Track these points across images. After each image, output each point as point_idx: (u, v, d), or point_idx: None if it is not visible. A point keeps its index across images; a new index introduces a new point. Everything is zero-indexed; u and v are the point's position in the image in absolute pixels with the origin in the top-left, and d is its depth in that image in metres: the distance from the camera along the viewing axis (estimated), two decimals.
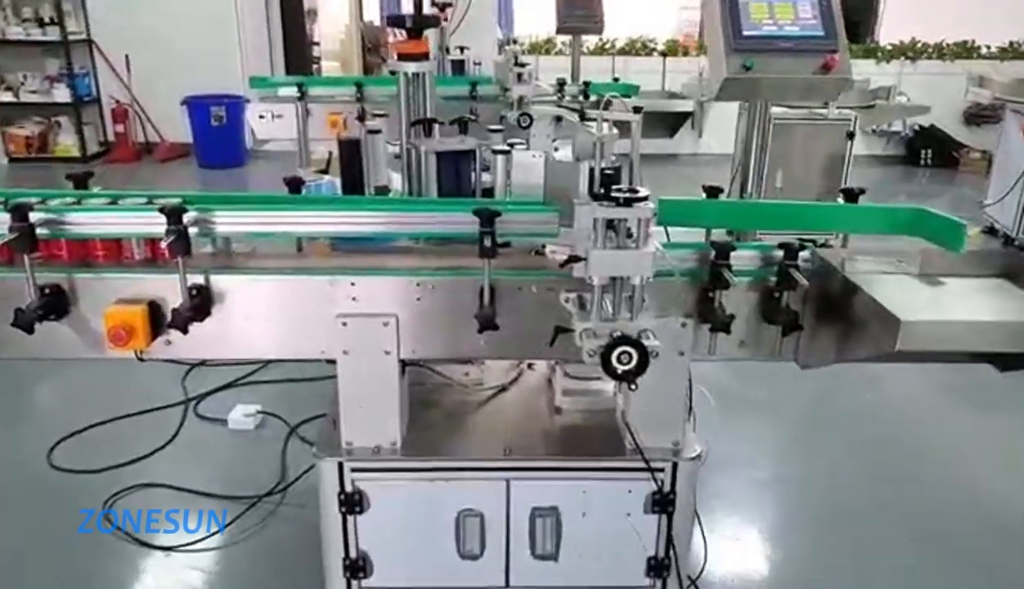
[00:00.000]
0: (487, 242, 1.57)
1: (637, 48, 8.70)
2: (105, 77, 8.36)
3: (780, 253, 1.66)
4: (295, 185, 1.82)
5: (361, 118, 3.97)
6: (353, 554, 1.84)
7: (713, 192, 1.82)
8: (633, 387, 1.42)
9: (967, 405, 3.46)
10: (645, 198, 1.44)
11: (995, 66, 7.88)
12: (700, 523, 2.04)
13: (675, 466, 1.79)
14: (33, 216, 1.58)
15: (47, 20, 7.95)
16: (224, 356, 1.77)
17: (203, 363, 3.18)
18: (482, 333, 1.64)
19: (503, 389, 2.10)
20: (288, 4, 8.65)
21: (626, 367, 1.42)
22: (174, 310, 1.62)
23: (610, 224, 1.47)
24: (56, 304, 1.65)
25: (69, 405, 3.18)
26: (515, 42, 5.34)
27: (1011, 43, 8.39)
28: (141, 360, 1.71)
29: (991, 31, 8.31)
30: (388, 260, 1.77)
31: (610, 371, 1.42)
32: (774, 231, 1.89)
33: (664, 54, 8.58)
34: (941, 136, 8.15)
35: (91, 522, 2.45)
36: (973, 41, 8.36)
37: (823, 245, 1.84)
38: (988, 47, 8.40)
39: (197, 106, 7.85)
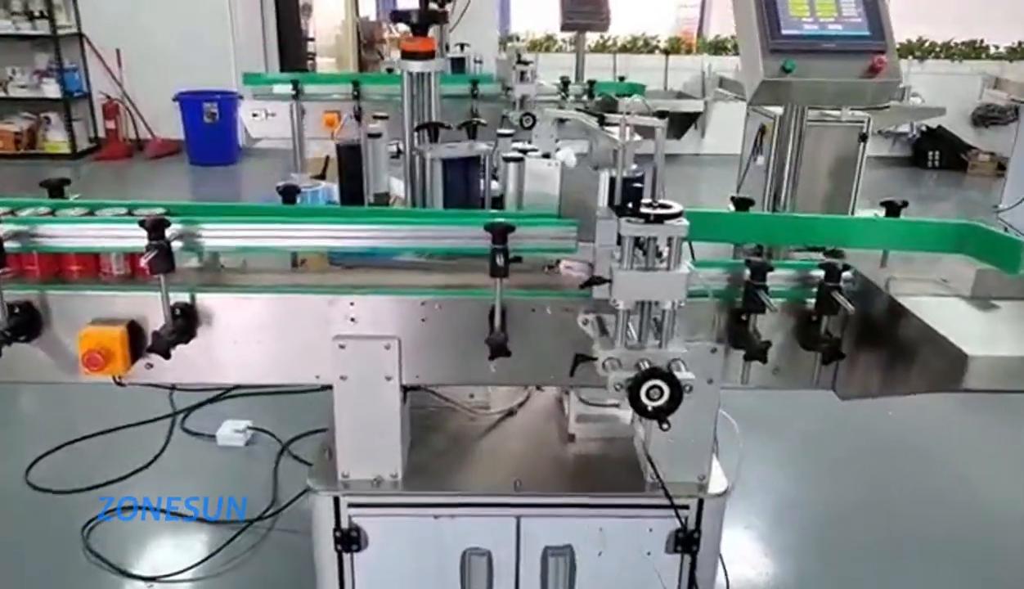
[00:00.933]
0: (499, 260, 1.43)
1: (639, 45, 8.56)
2: (96, 72, 8.18)
3: (820, 273, 1.52)
4: (289, 194, 1.68)
5: (358, 117, 3.83)
6: None
7: (743, 204, 1.68)
8: (665, 426, 1.28)
9: (993, 420, 3.33)
10: (679, 214, 1.29)
11: (1004, 66, 7.76)
12: (722, 559, 1.89)
13: (700, 503, 1.65)
14: (1, 228, 1.44)
15: (37, 13, 7.77)
16: (211, 381, 1.62)
17: None
18: (493, 359, 1.49)
19: (511, 413, 1.95)
20: None
21: (657, 403, 1.28)
22: (155, 333, 1.47)
23: (638, 242, 1.33)
24: (26, 324, 1.50)
25: (49, 418, 3.03)
26: (517, 39, 5.20)
27: (1020, 43, 8.26)
28: (120, 385, 1.57)
29: (993, 31, 8.19)
30: (390, 277, 1.63)
31: (639, 408, 1.28)
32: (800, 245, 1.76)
33: (667, 52, 8.44)
34: (949, 138, 8.03)
35: (68, 547, 2.30)
36: (981, 41, 8.24)
37: (832, 253, 1.71)
38: (996, 47, 8.28)
39: (189, 102, 7.69)
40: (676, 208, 1.30)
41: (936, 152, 7.99)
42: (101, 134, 8.28)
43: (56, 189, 1.69)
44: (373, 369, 1.58)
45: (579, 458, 1.79)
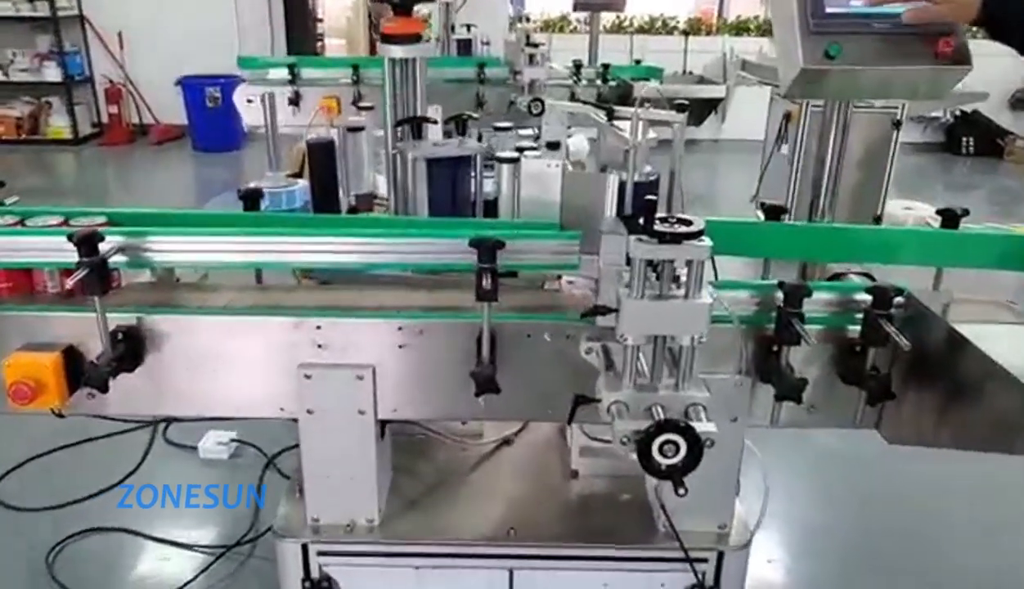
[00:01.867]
0: (486, 282, 1.21)
1: (656, 27, 8.24)
2: (97, 55, 8.00)
3: (865, 297, 1.29)
4: (252, 198, 1.46)
5: (357, 103, 3.61)
6: None
7: (775, 213, 1.45)
8: (682, 492, 1.06)
9: None
10: (701, 232, 1.07)
11: None
12: None
13: (720, 556, 1.44)
14: None
15: None
16: (161, 413, 1.42)
17: None
18: (480, 396, 1.28)
19: (507, 442, 1.74)
20: None
21: (671, 461, 1.06)
22: (91, 363, 1.27)
23: (651, 265, 1.10)
24: None
25: (16, 427, 2.85)
26: (527, 20, 4.94)
27: None
28: (59, 416, 1.38)
29: None
30: (364, 296, 1.42)
31: (650, 467, 1.06)
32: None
33: (686, 33, 8.11)
34: (984, 123, 7.65)
35: (32, 573, 2.12)
36: None
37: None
38: None
39: (191, 87, 7.50)
40: (697, 224, 1.08)
41: (970, 138, 7.62)
42: (104, 119, 8.11)
43: None
44: (344, 402, 1.38)
45: (582, 500, 1.58)
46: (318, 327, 1.34)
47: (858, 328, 1.30)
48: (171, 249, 1.33)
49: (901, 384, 1.32)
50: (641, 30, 8.17)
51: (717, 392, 1.21)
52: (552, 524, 1.51)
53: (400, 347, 1.35)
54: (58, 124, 7.85)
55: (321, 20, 10.39)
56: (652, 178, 1.43)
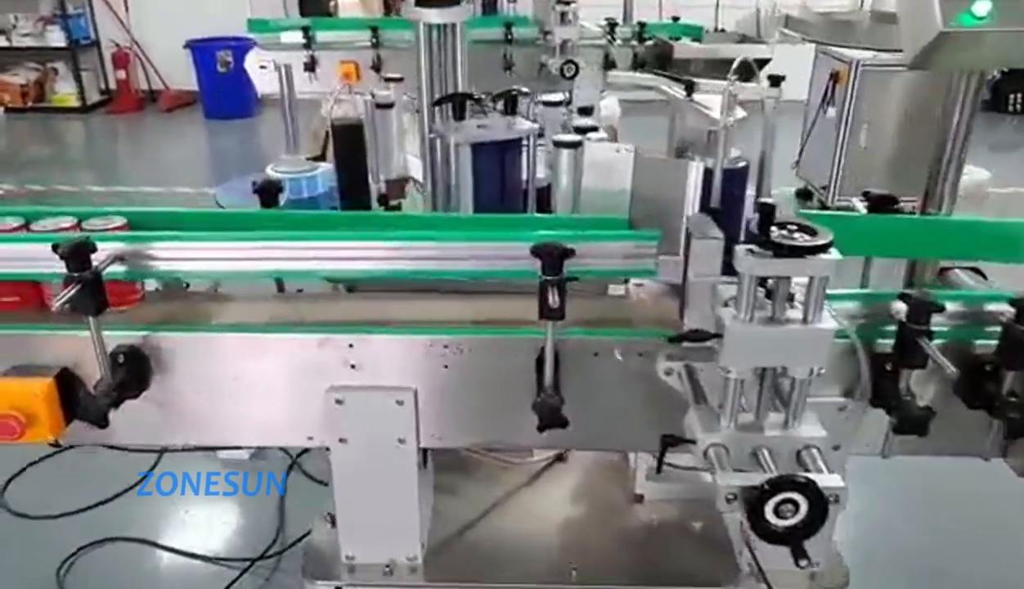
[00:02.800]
0: (552, 298, 1.01)
1: None
2: (103, 17, 7.75)
3: (1003, 307, 1.08)
4: (269, 193, 1.26)
5: (376, 68, 3.38)
6: None
7: (884, 203, 1.22)
8: (804, 563, 0.86)
9: None
10: (828, 245, 0.86)
11: None
12: None
13: None
14: None
15: None
16: (172, 442, 1.24)
17: None
18: (544, 430, 1.08)
19: (559, 459, 1.55)
20: None
21: (789, 522, 0.87)
22: (86, 393, 1.09)
23: (762, 282, 0.90)
24: None
25: None
26: None
27: None
28: (56, 447, 1.20)
29: None
30: (399, 307, 1.22)
31: (763, 530, 0.87)
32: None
33: None
34: None
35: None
36: None
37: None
38: None
39: (201, 51, 7.24)
40: (823, 235, 0.86)
41: (1018, 94, 7.23)
42: (112, 85, 7.88)
43: None
44: (381, 430, 1.19)
45: (650, 531, 1.39)
46: (350, 345, 1.15)
47: (990, 343, 1.09)
48: (178, 257, 1.13)
49: None
50: None
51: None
52: (618, 563, 1.32)
53: (445, 367, 1.16)
54: (64, 91, 7.63)
55: None
56: (741, 164, 1.21)
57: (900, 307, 1.07)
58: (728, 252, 1.00)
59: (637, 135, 1.46)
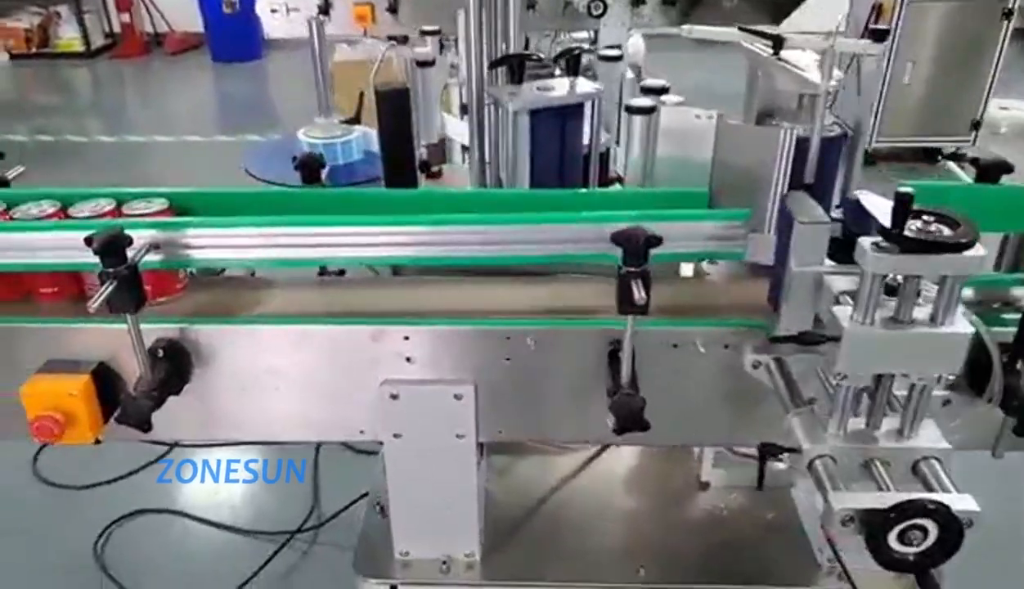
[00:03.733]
0: (638, 292, 0.90)
1: None
2: None
3: None
4: (311, 169, 1.15)
5: (393, 9, 3.20)
6: None
7: (994, 171, 1.10)
8: None
9: None
10: (974, 241, 0.74)
11: None
12: None
13: None
14: None
15: None
16: (215, 437, 1.16)
17: None
18: (623, 432, 0.99)
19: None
20: None
21: (917, 549, 0.78)
22: (127, 395, 1.00)
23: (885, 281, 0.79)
24: None
25: None
26: None
27: None
28: (97, 442, 1.13)
29: None
30: (458, 293, 1.12)
31: (885, 558, 0.78)
32: None
33: None
34: None
35: (80, 563, 1.95)
36: None
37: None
38: None
39: None
40: (967, 228, 0.75)
41: None
42: (116, 29, 7.64)
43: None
44: (439, 425, 1.11)
45: (718, 522, 1.32)
46: (405, 337, 1.06)
47: None
48: (222, 244, 1.03)
49: None
50: None
51: None
52: (686, 558, 1.25)
53: (507, 360, 1.07)
54: (68, 36, 7.40)
55: None
56: (833, 133, 1.09)
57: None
58: None
59: (664, 73, 1.32)
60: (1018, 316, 0.93)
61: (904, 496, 0.76)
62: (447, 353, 1.07)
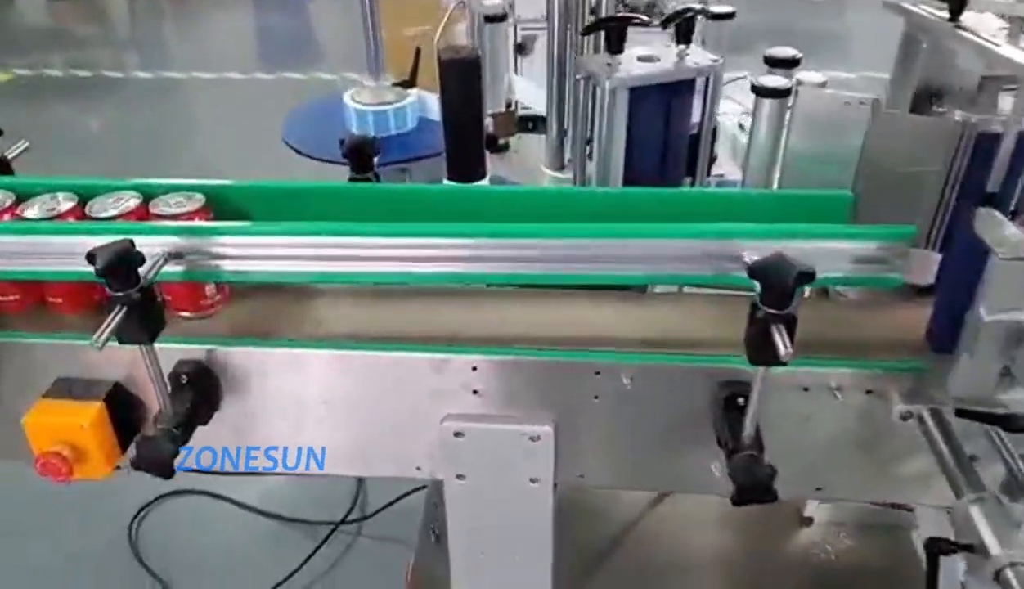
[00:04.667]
0: (782, 345, 0.70)
1: None
2: None
3: None
4: (362, 156, 0.95)
5: None
6: None
7: None
8: None
9: None
10: None
11: None
12: None
13: None
14: None
15: None
16: (246, 468, 1.01)
17: None
18: (743, 502, 0.80)
19: None
20: None
21: None
22: (142, 437, 0.85)
23: None
24: None
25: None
26: None
27: None
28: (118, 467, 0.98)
29: None
30: (537, 313, 0.93)
31: None
32: None
33: None
34: None
35: (113, 546, 1.86)
36: None
37: None
38: None
39: None
40: None
41: None
42: None
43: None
44: (510, 468, 0.93)
45: (827, 568, 1.13)
46: (473, 368, 0.88)
47: None
48: (250, 254, 0.85)
49: None
50: None
51: None
52: None
53: (595, 399, 0.88)
54: None
55: None
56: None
57: None
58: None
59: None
60: None
61: None
62: (523, 387, 0.89)
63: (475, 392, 0.89)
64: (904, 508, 1.10)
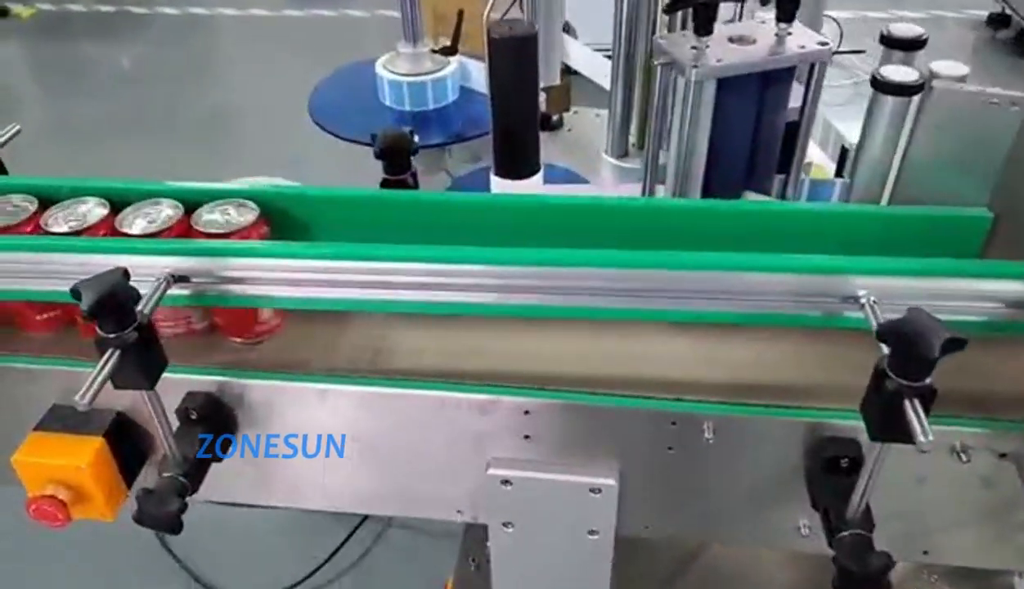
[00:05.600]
0: (918, 426, 0.56)
1: None
2: None
3: None
4: (397, 156, 0.81)
5: None
6: None
7: None
8: None
9: None
10: None
11: None
12: None
13: None
14: None
15: None
16: (266, 503, 0.90)
17: None
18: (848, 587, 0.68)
19: None
20: None
21: None
22: (143, 492, 0.74)
23: None
24: None
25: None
26: None
27: None
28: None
29: None
30: (603, 344, 0.80)
31: None
32: None
33: None
34: None
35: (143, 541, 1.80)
36: None
37: None
38: None
39: None
40: None
41: None
42: None
43: None
44: (565, 519, 0.82)
45: None
46: (525, 412, 0.75)
47: None
48: (264, 278, 0.73)
49: None
50: None
51: None
52: None
53: (669, 450, 0.75)
54: None
55: None
56: None
57: None
58: None
59: None
60: None
61: None
62: (583, 434, 0.77)
63: (526, 437, 0.77)
64: None
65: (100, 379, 0.62)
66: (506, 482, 0.79)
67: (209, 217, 0.78)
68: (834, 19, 3.18)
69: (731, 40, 0.78)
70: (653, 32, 0.92)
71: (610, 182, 1.00)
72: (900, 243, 0.73)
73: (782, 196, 0.86)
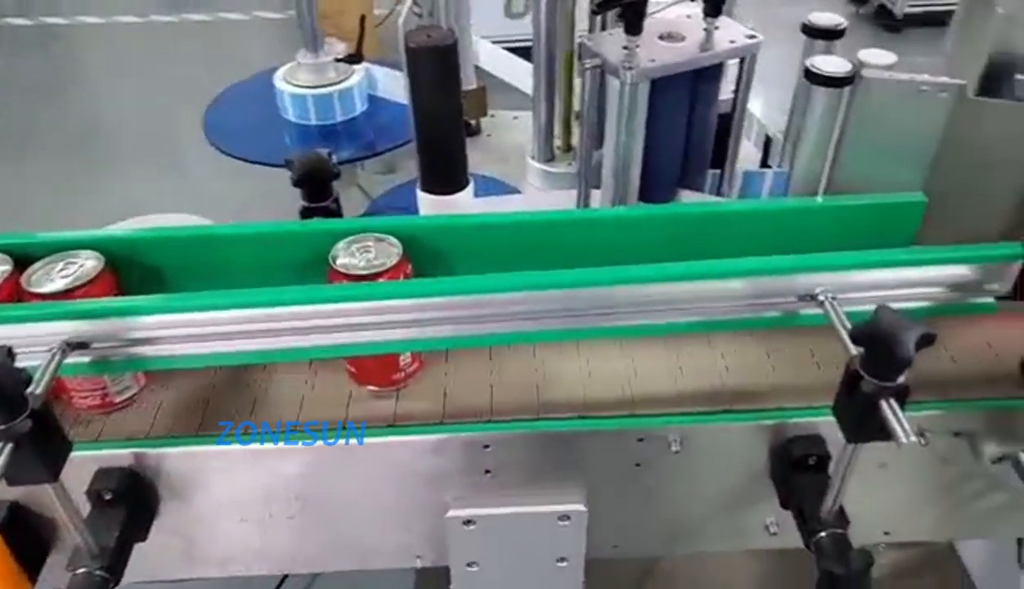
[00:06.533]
0: (899, 427, 0.55)
1: None
2: None
3: None
4: (318, 184, 0.73)
5: None
6: None
7: None
8: None
9: None
10: None
11: None
12: None
13: None
14: None
15: None
16: (204, 575, 0.81)
17: None
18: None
19: None
20: None
21: None
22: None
23: None
24: None
25: None
26: None
27: None
28: None
29: None
30: (556, 363, 0.75)
31: None
32: None
33: None
34: None
35: None
36: None
37: None
38: None
39: None
40: None
41: None
42: None
43: None
44: (532, 552, 0.77)
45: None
46: (485, 446, 0.70)
47: None
48: (173, 337, 0.64)
49: None
50: None
51: None
52: None
53: (636, 466, 0.72)
54: None
55: None
56: None
57: None
58: None
59: None
60: None
61: None
62: (546, 462, 0.72)
63: (487, 472, 0.72)
64: None
65: None
66: (468, 522, 0.74)
67: (45, 273, 0.67)
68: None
69: (661, 38, 0.75)
70: (573, 28, 0.88)
71: (540, 190, 0.95)
72: (841, 233, 0.73)
73: (718, 192, 0.85)
